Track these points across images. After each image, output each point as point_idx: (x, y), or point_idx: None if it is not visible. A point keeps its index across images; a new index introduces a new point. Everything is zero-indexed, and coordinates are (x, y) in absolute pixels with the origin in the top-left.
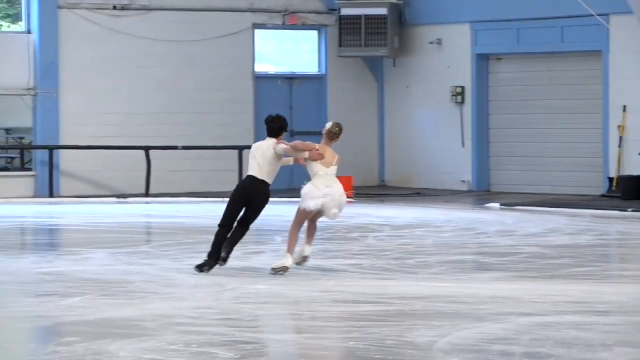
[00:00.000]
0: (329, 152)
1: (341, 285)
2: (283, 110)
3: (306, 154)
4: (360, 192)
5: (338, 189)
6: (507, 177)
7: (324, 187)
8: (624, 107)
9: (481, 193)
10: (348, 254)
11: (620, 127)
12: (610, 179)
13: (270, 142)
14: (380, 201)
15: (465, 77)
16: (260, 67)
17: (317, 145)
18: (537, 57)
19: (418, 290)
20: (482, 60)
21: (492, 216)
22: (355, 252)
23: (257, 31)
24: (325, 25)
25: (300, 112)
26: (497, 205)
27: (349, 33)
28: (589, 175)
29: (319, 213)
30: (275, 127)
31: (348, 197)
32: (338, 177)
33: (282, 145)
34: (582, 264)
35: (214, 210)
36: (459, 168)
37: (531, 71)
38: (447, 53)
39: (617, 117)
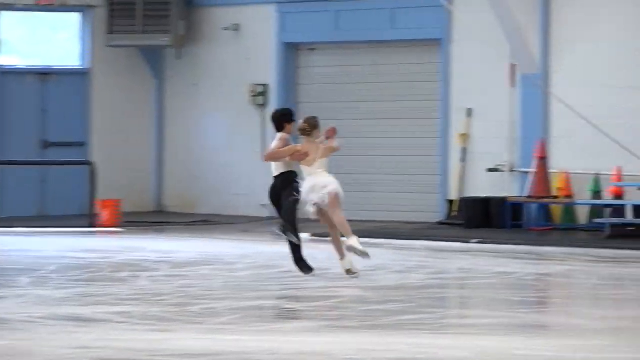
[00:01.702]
0: (313, 148)
1: (104, 339)
2: (34, 114)
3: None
4: (131, 220)
5: (319, 180)
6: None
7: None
8: (468, 110)
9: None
10: (114, 299)
11: (463, 136)
12: (450, 202)
13: (275, 139)
14: (157, 231)
15: (268, 72)
16: (5, 60)
17: (298, 146)
18: (360, 48)
19: (202, 345)
20: (290, 52)
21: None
22: (123, 297)
23: (2, 13)
24: (91, 7)
25: (57, 117)
26: (306, 235)
27: (122, 16)
28: (423, 197)
29: (322, 212)
30: (275, 123)
31: (107, 226)
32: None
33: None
34: (413, 311)
35: None
36: (259, 189)
37: (352, 65)
38: (245, 42)
39: (460, 123)
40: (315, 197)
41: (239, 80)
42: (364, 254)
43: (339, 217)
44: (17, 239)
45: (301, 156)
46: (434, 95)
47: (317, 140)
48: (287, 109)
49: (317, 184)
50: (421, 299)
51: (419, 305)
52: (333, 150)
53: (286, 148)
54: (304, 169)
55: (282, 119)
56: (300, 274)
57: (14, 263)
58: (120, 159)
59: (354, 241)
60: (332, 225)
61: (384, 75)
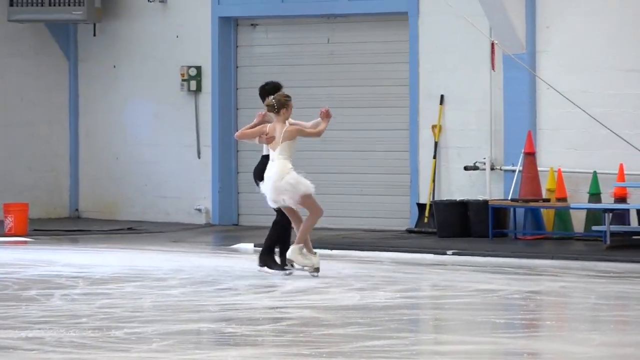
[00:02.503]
0: (278, 129)
1: None
2: None
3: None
4: (41, 227)
5: (271, 174)
6: (265, 203)
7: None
8: (441, 97)
9: (226, 228)
10: (22, 322)
11: (436, 128)
12: (421, 206)
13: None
14: (72, 241)
15: (202, 52)
16: None
17: (266, 127)
18: (311, 23)
19: None
20: (228, 28)
21: (243, 264)
22: (32, 320)
23: None
24: None
25: None
26: (250, 246)
27: None
28: (389, 200)
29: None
30: (261, 98)
31: (11, 235)
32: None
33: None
34: (379, 335)
35: None
36: (193, 191)
37: (303, 44)
38: (175, 16)
39: (431, 112)
40: (286, 200)
41: (168, 61)
42: (292, 270)
43: (309, 223)
44: None
45: (267, 139)
46: (400, 80)
47: (290, 122)
48: (270, 82)
49: (279, 185)
50: (388, 322)
51: (385, 328)
52: (305, 133)
53: (255, 128)
54: (271, 154)
55: (263, 93)
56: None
57: None
58: (25, 155)
59: (295, 255)
60: (298, 220)
61: (340, 56)
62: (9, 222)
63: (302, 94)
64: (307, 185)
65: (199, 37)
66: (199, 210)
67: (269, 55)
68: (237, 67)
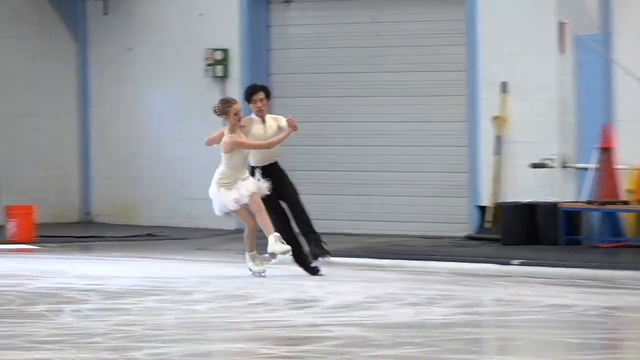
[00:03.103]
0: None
1: None
2: None
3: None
4: (48, 233)
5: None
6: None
7: None
8: (503, 84)
9: (261, 233)
10: (27, 341)
11: (497, 120)
12: (482, 210)
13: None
14: (84, 249)
15: (229, 33)
16: None
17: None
18: (353, 0)
19: None
20: (259, 5)
21: (281, 275)
22: (40, 339)
23: None
24: None
25: None
26: (287, 255)
27: None
28: (445, 203)
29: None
30: None
31: (16, 242)
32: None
33: None
34: (435, 357)
35: None
36: None
37: (343, 24)
38: None
39: (492, 102)
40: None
41: (190, 43)
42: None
43: (264, 220)
44: None
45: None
46: (456, 65)
47: (240, 129)
48: (252, 85)
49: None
50: (446, 342)
51: (443, 349)
52: (246, 146)
53: (216, 133)
54: None
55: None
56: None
57: None
58: (29, 151)
59: (272, 243)
60: (252, 222)
61: (386, 37)
62: (12, 227)
63: (342, 81)
64: (217, 206)
65: (225, 16)
66: (227, 213)
67: (304, 37)
68: (268, 50)
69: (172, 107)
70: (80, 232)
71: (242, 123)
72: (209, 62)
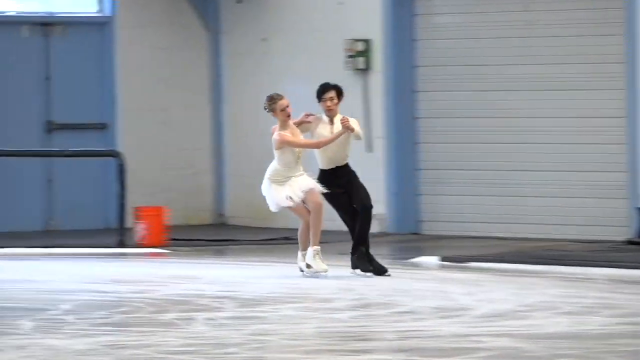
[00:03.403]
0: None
1: None
2: (33, 83)
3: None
4: (179, 236)
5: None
6: (451, 208)
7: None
8: None
9: (405, 237)
10: (158, 352)
11: None
12: None
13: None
14: (217, 254)
15: (372, 23)
16: None
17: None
18: None
19: None
20: None
21: (427, 281)
22: (171, 349)
23: None
24: None
25: (65, 88)
26: (434, 260)
27: None
28: (602, 204)
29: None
30: None
31: (146, 245)
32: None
33: None
34: None
35: None
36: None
37: (495, 12)
38: None
39: None
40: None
41: (330, 33)
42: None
43: (317, 225)
44: (16, 265)
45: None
46: (614, 56)
47: (305, 125)
48: (324, 83)
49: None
50: (605, 354)
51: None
52: (294, 144)
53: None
54: None
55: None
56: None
57: (13, 300)
58: (158, 149)
59: (311, 257)
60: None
61: (540, 26)
62: (141, 230)
63: (491, 73)
64: (272, 202)
65: (367, 4)
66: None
67: (451, 26)
68: (413, 40)
69: (310, 101)
70: (213, 235)
71: (309, 120)
72: (350, 53)
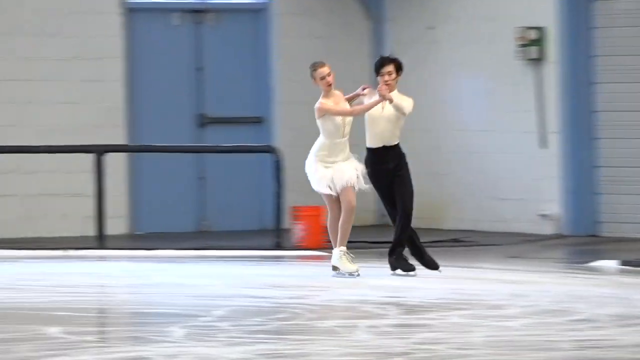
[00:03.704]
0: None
1: None
2: (183, 74)
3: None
4: None
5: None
6: (633, 208)
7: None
8: None
9: (582, 240)
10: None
11: None
12: None
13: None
14: (380, 256)
15: (545, 8)
16: None
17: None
18: None
19: None
20: None
21: (605, 287)
22: (331, 359)
23: None
24: None
25: (218, 79)
26: (613, 264)
27: None
28: None
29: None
30: None
31: (305, 248)
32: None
33: None
34: None
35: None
36: (536, 191)
37: None
38: None
39: None
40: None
41: (500, 21)
42: (351, 273)
43: (347, 226)
44: (166, 268)
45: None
46: None
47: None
48: (382, 57)
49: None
50: None
51: None
52: (333, 112)
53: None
54: None
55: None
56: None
57: (164, 305)
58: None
59: (337, 257)
60: (337, 211)
61: None
62: (300, 231)
63: None
64: (313, 182)
65: None
66: (544, 216)
67: (633, 12)
68: (590, 28)
69: (479, 94)
70: (375, 236)
71: (364, 93)
72: (522, 42)
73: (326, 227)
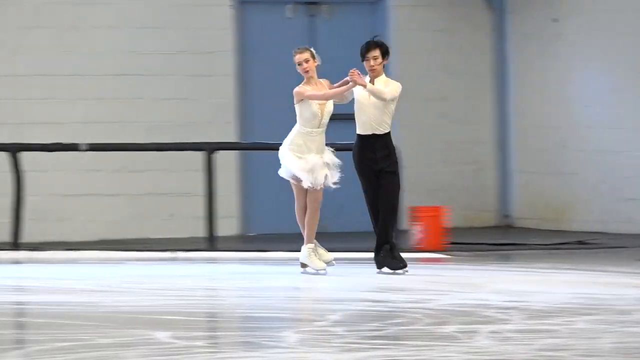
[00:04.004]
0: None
1: None
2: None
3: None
4: (460, 240)
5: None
6: None
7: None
8: None
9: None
10: None
11: None
12: None
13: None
14: (502, 259)
15: None
16: None
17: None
18: None
19: None
20: None
21: None
22: None
23: None
24: None
25: (334, 69)
26: None
27: None
28: None
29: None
30: None
31: (423, 250)
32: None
33: None
34: None
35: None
36: None
37: None
38: None
39: None
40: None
41: (631, 13)
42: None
43: (312, 223)
44: (279, 271)
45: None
46: None
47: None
48: (368, 41)
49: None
50: None
51: None
52: (305, 96)
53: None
54: None
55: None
56: None
57: (276, 309)
58: (438, 143)
59: (305, 255)
60: (304, 201)
61: None
62: (418, 232)
63: None
64: (282, 170)
65: None
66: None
67: None
68: None
69: (606, 89)
70: (497, 238)
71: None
72: None
73: (446, 228)
